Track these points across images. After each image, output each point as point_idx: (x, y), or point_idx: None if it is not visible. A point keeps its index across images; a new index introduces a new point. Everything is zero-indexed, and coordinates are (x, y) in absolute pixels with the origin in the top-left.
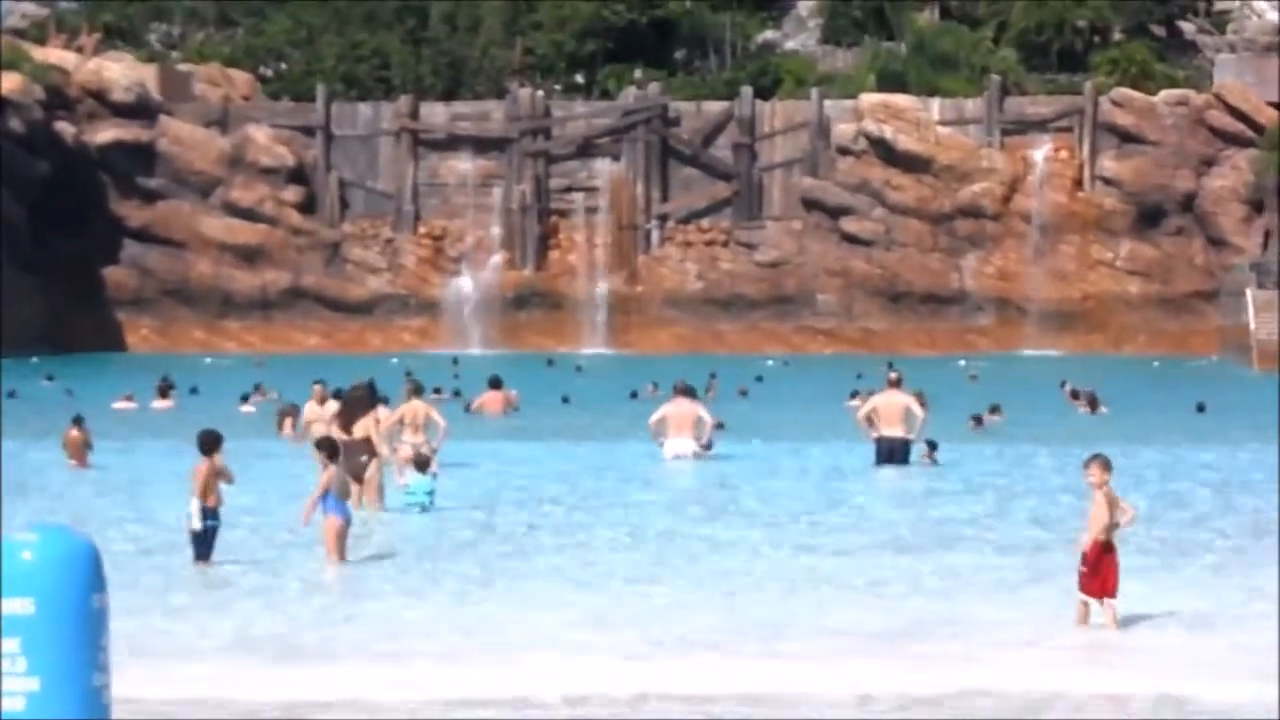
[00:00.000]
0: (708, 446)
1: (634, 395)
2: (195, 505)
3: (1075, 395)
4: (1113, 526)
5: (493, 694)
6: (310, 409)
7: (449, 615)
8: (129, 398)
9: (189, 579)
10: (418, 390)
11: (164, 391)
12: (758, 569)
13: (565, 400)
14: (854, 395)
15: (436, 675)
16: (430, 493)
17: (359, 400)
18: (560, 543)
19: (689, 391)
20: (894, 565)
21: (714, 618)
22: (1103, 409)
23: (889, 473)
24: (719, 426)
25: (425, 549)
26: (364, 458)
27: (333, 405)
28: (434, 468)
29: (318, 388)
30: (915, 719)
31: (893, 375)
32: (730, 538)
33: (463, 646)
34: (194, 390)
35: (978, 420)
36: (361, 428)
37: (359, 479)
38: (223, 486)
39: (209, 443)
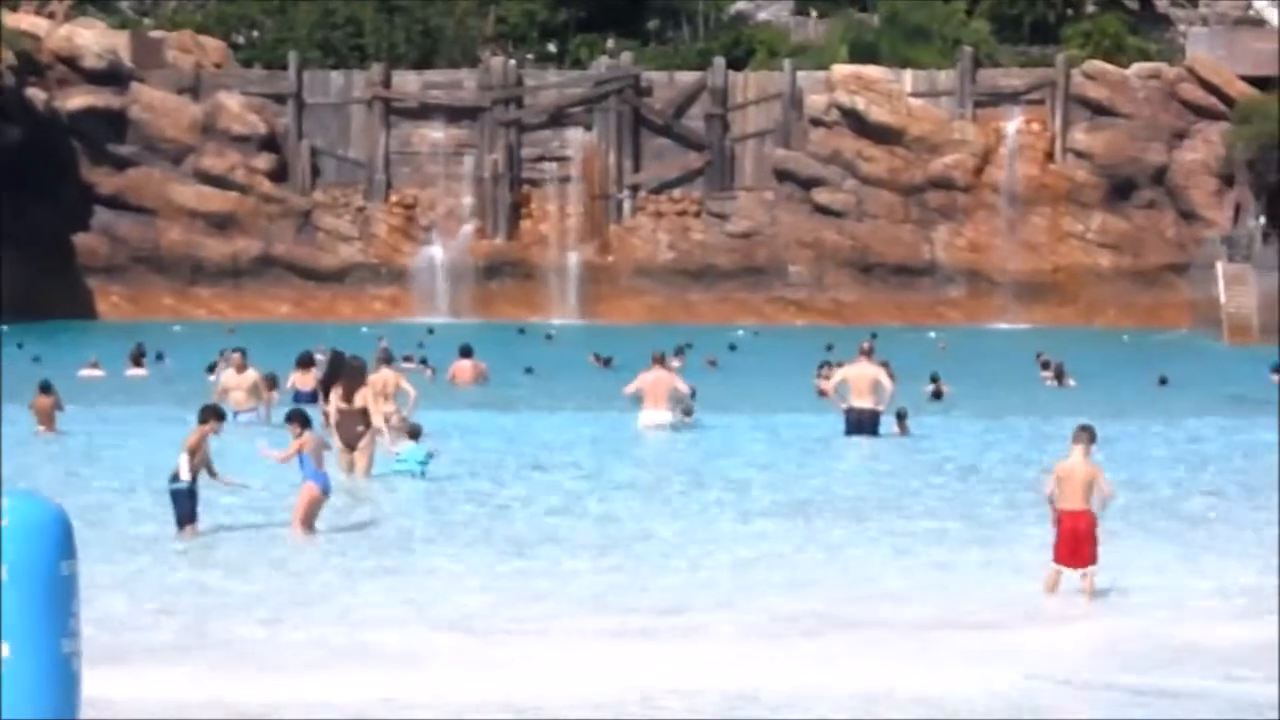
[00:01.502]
0: (688, 413)
1: (606, 363)
2: (183, 460)
3: (1046, 365)
4: (1089, 495)
5: (447, 697)
6: (228, 376)
7: (423, 602)
8: (95, 365)
9: (155, 550)
10: (388, 359)
11: (137, 359)
12: (710, 546)
13: (529, 371)
14: (823, 366)
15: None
16: (422, 461)
17: (359, 370)
18: (514, 519)
19: (665, 361)
20: (853, 541)
21: (650, 596)
22: (1070, 381)
23: (857, 444)
24: (691, 395)
25: (402, 527)
26: (360, 427)
27: (251, 373)
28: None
29: (236, 356)
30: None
31: (864, 345)
32: (688, 510)
33: (413, 643)
34: (160, 357)
35: (937, 394)
36: (361, 397)
37: (353, 447)
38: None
39: (207, 414)
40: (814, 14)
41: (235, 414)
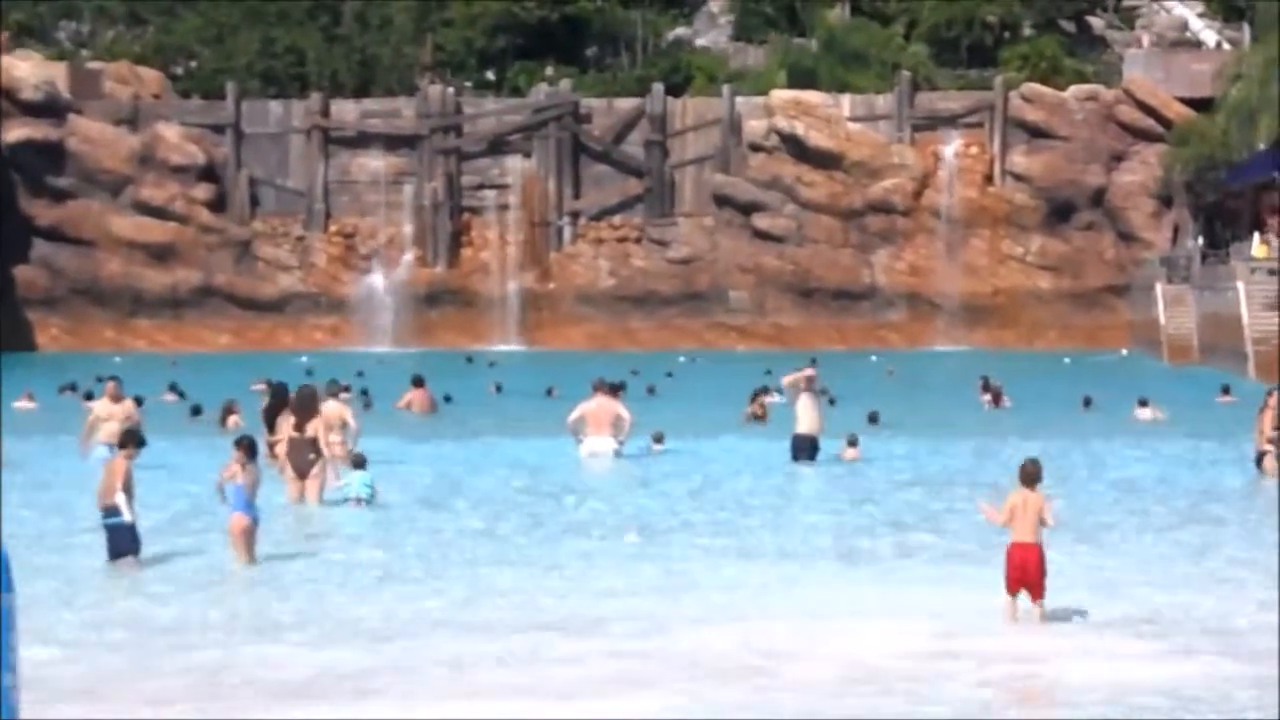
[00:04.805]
0: (659, 439)
1: (549, 393)
2: (121, 499)
3: (986, 388)
4: (1038, 528)
5: None
6: (102, 406)
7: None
8: (30, 397)
9: (92, 581)
10: (334, 392)
11: (88, 394)
12: (640, 573)
13: (448, 399)
14: (765, 391)
15: None
16: (369, 485)
17: (311, 398)
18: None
19: (608, 389)
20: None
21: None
22: (1005, 403)
23: (798, 469)
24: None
25: (343, 559)
26: (311, 455)
27: (127, 404)
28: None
29: (110, 385)
30: None
31: (810, 373)
32: (619, 533)
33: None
34: (92, 387)
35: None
36: (312, 427)
37: (304, 475)
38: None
39: (126, 439)
40: (779, 35)
41: (110, 448)
